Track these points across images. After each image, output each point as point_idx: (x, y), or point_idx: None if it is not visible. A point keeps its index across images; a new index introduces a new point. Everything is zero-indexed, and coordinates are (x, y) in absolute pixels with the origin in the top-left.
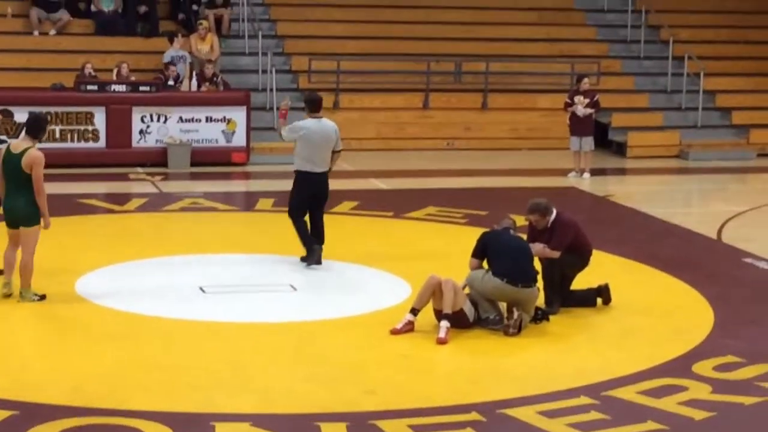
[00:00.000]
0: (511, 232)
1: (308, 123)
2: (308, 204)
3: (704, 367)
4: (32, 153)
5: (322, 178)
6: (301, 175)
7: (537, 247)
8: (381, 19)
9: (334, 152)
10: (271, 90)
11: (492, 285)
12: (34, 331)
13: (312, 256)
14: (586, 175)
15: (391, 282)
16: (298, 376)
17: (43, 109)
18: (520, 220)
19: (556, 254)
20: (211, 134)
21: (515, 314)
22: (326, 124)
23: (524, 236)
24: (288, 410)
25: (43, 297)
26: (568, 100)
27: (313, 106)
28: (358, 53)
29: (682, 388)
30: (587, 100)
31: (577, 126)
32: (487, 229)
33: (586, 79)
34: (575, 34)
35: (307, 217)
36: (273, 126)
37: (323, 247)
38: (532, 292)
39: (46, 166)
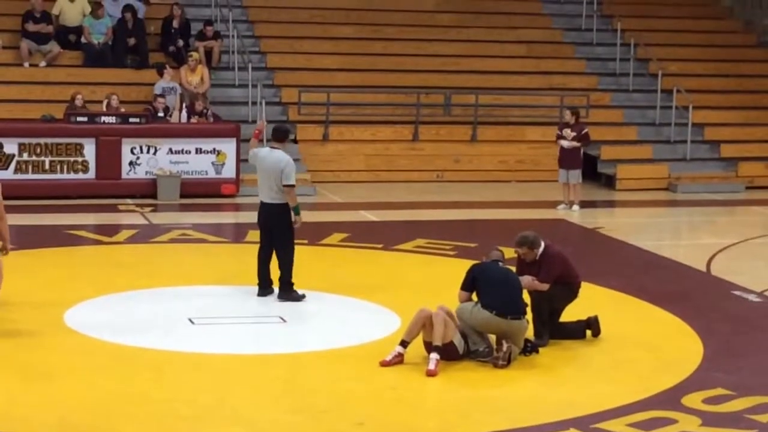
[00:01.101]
0: (500, 264)
1: (261, 151)
2: (264, 235)
3: (694, 400)
4: None
5: (267, 209)
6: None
7: (526, 280)
8: (371, 51)
9: (283, 185)
10: None
11: (481, 317)
12: (22, 362)
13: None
14: (575, 207)
15: (380, 314)
16: (287, 408)
17: (33, 141)
18: (509, 252)
19: (545, 287)
20: (200, 166)
21: (504, 346)
22: (275, 155)
23: (513, 268)
24: None
25: None
26: (559, 132)
27: (274, 134)
28: (348, 85)
29: (671, 421)
30: (574, 133)
31: (564, 159)
32: (476, 262)
33: (567, 111)
34: (564, 67)
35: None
36: None
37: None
38: (521, 324)
39: (36, 197)
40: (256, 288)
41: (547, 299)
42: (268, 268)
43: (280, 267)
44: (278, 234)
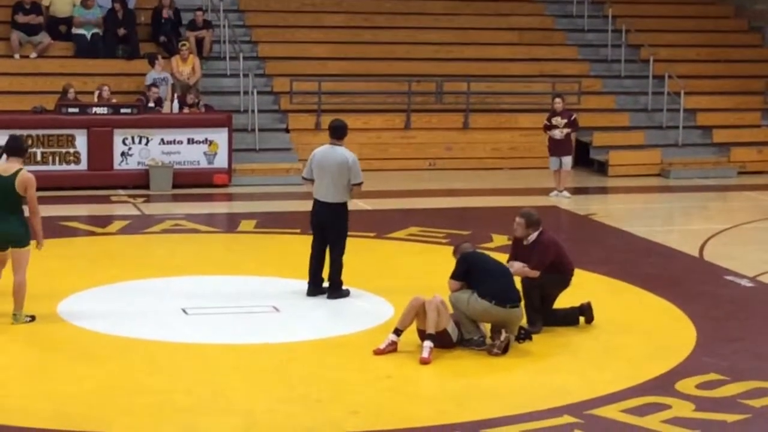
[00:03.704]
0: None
1: (319, 149)
2: (318, 233)
3: (687, 385)
4: (26, 174)
5: (323, 208)
6: (314, 201)
7: (517, 266)
8: (362, 40)
9: (352, 184)
10: (253, 111)
11: (480, 307)
12: (16, 354)
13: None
14: (566, 193)
15: (373, 302)
16: (281, 397)
17: (25, 132)
18: (501, 240)
19: (536, 273)
20: (192, 156)
21: (503, 335)
22: (335, 152)
23: (495, 255)
24: None
25: (33, 318)
26: (547, 122)
27: (334, 132)
28: (340, 74)
29: (665, 407)
30: (564, 120)
31: (557, 146)
32: (465, 252)
33: (557, 99)
34: (556, 53)
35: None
36: (254, 147)
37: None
38: (519, 312)
39: None
40: (266, 278)
41: (538, 286)
42: (322, 267)
43: (332, 265)
44: (335, 233)
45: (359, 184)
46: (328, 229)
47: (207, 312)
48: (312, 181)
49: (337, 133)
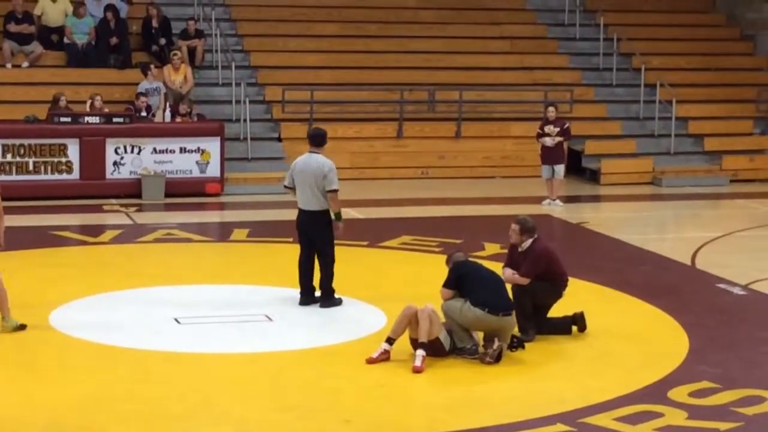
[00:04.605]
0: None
1: (299, 158)
2: (305, 241)
3: (680, 393)
4: None
5: (306, 216)
6: (298, 210)
7: (507, 273)
8: (354, 49)
9: (326, 191)
10: (245, 120)
11: (472, 315)
12: (8, 364)
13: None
14: (558, 202)
15: (366, 311)
16: (274, 406)
17: (17, 142)
18: (493, 248)
19: (525, 281)
20: (185, 165)
21: (496, 344)
22: (312, 160)
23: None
24: None
25: (24, 326)
26: (540, 131)
27: (313, 139)
28: (332, 83)
29: (657, 415)
30: (557, 129)
31: (549, 155)
32: (458, 260)
33: (550, 108)
34: (548, 62)
35: None
36: (247, 156)
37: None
38: (512, 320)
39: (20, 198)
40: (258, 287)
41: (528, 294)
42: (312, 276)
43: (322, 274)
44: (321, 241)
45: (334, 191)
46: (314, 236)
47: (199, 321)
48: (293, 189)
49: (315, 140)
